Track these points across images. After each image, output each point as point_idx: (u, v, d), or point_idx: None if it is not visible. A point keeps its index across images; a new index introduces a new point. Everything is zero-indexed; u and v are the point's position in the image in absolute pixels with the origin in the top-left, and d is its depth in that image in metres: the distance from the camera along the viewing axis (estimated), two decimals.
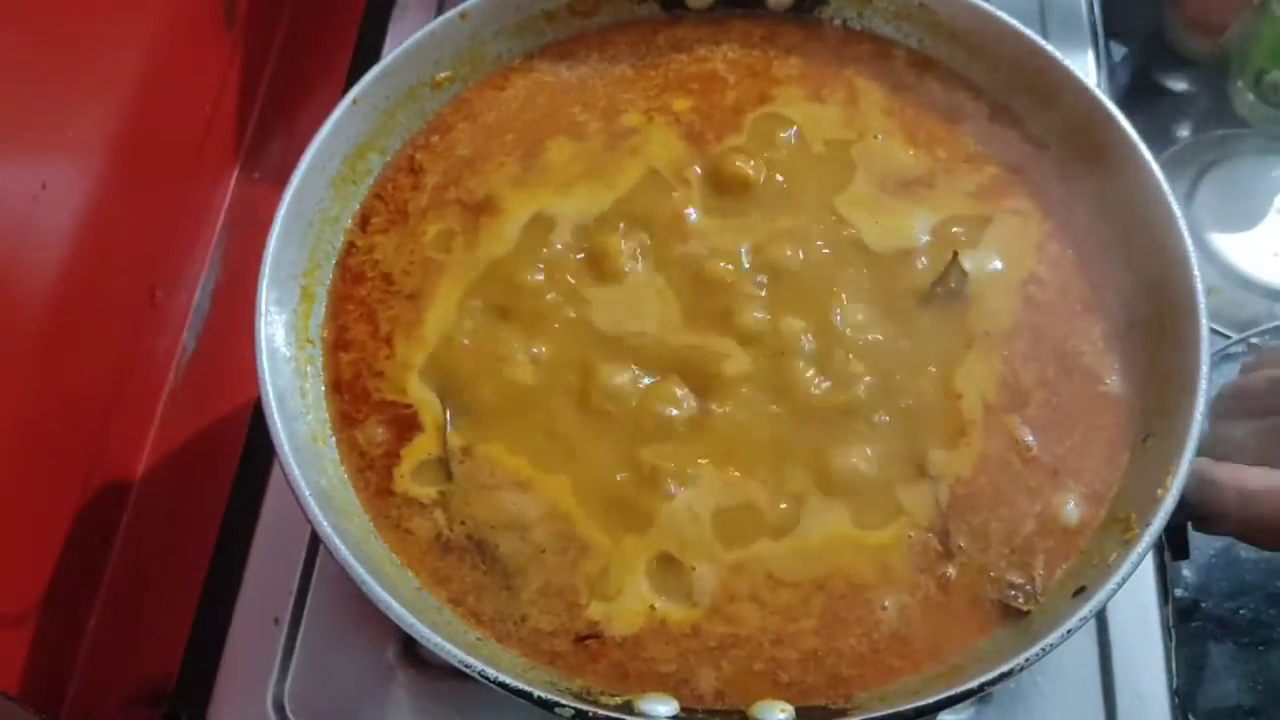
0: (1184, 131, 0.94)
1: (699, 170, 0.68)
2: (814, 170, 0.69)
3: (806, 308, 0.64)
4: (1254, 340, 0.82)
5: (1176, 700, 0.66)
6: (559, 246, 0.66)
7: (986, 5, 0.69)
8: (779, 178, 0.68)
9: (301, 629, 0.69)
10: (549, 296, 0.64)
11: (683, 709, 0.55)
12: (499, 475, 0.60)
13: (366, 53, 0.89)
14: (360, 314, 0.65)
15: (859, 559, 0.58)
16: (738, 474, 0.60)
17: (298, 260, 0.64)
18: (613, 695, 0.55)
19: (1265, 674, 0.73)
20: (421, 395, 0.62)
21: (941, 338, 0.63)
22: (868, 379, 0.62)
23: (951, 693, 0.51)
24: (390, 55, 0.68)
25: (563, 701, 0.51)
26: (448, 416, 0.62)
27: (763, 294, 0.64)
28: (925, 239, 0.66)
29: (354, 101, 0.66)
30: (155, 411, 0.80)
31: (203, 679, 0.68)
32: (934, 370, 0.62)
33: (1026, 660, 0.52)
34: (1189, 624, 0.74)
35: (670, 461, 0.60)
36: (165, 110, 0.79)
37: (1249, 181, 0.91)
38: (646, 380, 0.62)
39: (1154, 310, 0.62)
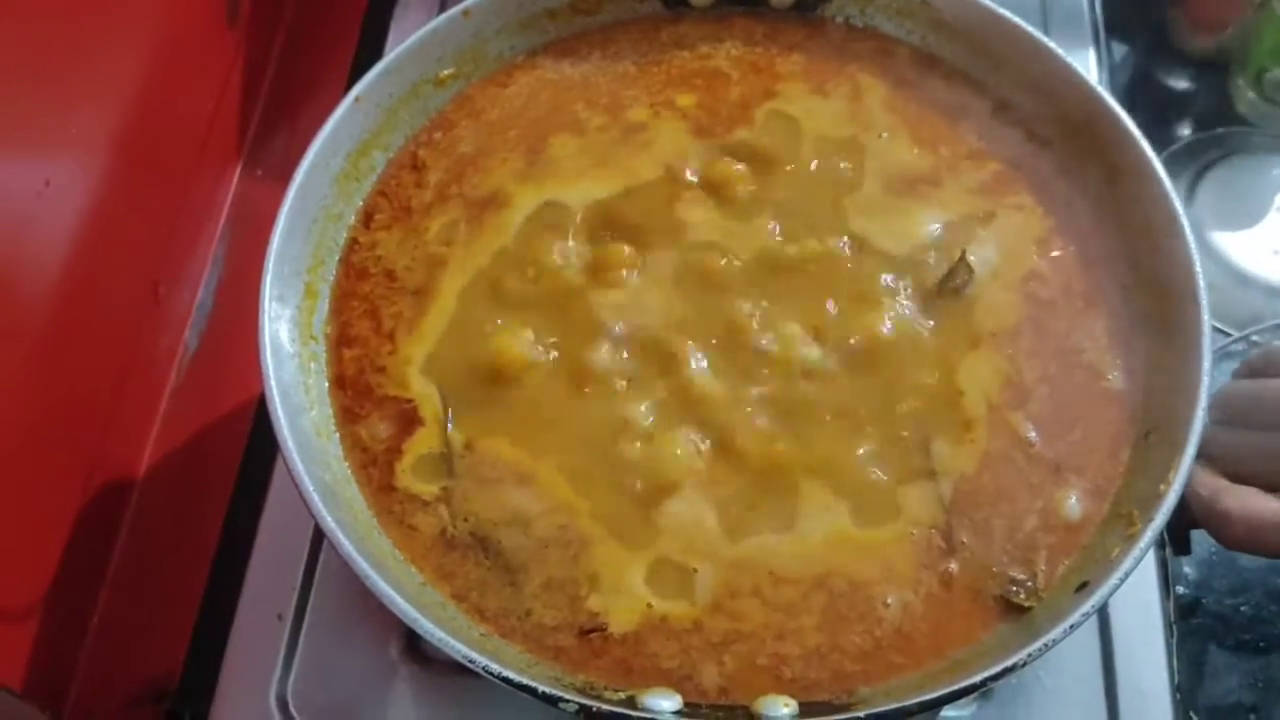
0: (1185, 129, 0.94)
1: (701, 168, 0.68)
2: (818, 167, 0.69)
3: (809, 306, 0.64)
4: (1255, 338, 0.82)
5: (1178, 696, 0.66)
6: (563, 241, 0.66)
7: (989, 2, 0.69)
8: (784, 174, 0.68)
9: (305, 625, 0.69)
10: (552, 291, 0.64)
11: (686, 704, 0.55)
12: (501, 470, 0.60)
13: (369, 50, 0.90)
14: (363, 310, 0.65)
15: (861, 556, 0.58)
16: (740, 472, 0.60)
17: (301, 257, 0.64)
18: (616, 690, 0.55)
19: (1266, 671, 0.73)
20: (423, 390, 0.62)
21: (946, 335, 0.63)
22: (871, 378, 0.62)
23: (954, 688, 0.51)
24: (393, 53, 0.68)
25: (567, 696, 0.51)
26: (448, 413, 0.62)
27: (767, 293, 0.64)
28: (929, 236, 0.66)
29: (356, 99, 0.66)
30: (158, 408, 0.80)
31: (206, 675, 0.68)
32: (938, 367, 0.62)
33: (1029, 656, 0.52)
34: (1190, 620, 0.74)
35: (672, 458, 0.60)
36: (168, 108, 0.79)
37: (1250, 179, 0.91)
38: (649, 375, 0.62)
39: (1156, 307, 0.63)
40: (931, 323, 0.64)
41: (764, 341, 0.63)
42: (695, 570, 0.58)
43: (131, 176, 0.74)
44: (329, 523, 0.54)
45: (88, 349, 0.72)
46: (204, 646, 0.70)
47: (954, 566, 0.58)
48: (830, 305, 0.64)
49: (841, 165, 0.69)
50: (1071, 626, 0.52)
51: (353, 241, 0.67)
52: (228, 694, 0.68)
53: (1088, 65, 0.88)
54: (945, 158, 0.69)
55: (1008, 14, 0.69)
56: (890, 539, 0.59)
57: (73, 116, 0.69)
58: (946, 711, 0.64)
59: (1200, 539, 0.59)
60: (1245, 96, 0.93)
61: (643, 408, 0.61)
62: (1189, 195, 0.90)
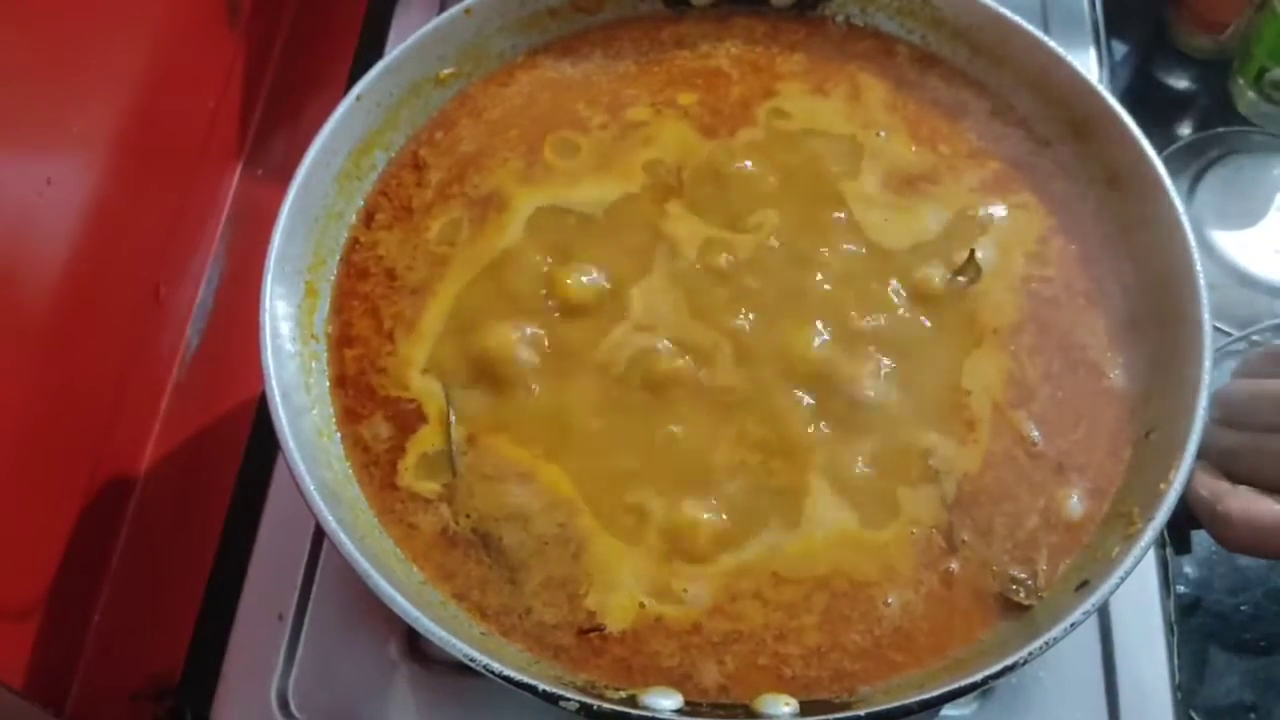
0: (1185, 129, 0.95)
1: (698, 170, 0.68)
2: (820, 167, 0.69)
3: (809, 305, 0.64)
4: (1255, 337, 0.82)
5: (1178, 695, 0.66)
6: (563, 241, 0.66)
7: (990, 2, 0.69)
8: (785, 174, 0.68)
9: (306, 624, 0.69)
10: (552, 290, 0.64)
11: (687, 703, 0.55)
12: (502, 467, 0.60)
13: (370, 49, 0.89)
14: (364, 309, 0.65)
15: (863, 556, 0.58)
16: (741, 472, 0.60)
17: (302, 256, 0.64)
18: (617, 689, 0.56)
19: (1267, 670, 0.73)
20: (424, 390, 0.62)
21: (950, 334, 0.63)
22: (873, 377, 0.62)
23: (954, 686, 0.51)
24: (394, 51, 0.68)
25: (567, 695, 0.51)
26: (450, 411, 0.62)
27: (765, 293, 0.64)
28: (930, 235, 0.66)
29: (358, 98, 0.66)
30: (159, 407, 0.80)
31: (207, 674, 0.68)
32: (942, 366, 0.62)
33: (1029, 654, 0.52)
34: (1190, 619, 0.74)
35: (672, 458, 0.60)
36: (169, 106, 0.79)
37: (1250, 179, 0.92)
38: (649, 375, 0.62)
39: (1157, 306, 0.63)
40: (934, 321, 0.64)
41: (763, 341, 0.63)
42: (684, 591, 0.58)
43: (133, 175, 0.74)
44: (330, 522, 0.54)
45: (89, 347, 0.72)
46: (205, 644, 0.70)
47: (955, 565, 0.58)
48: (832, 305, 0.64)
49: (842, 164, 0.69)
50: (1072, 625, 0.52)
51: (354, 241, 0.67)
52: (229, 692, 0.68)
53: (1088, 64, 0.88)
54: (945, 157, 0.69)
55: (1008, 13, 0.69)
56: (892, 539, 0.59)
57: (74, 115, 0.69)
58: (947, 710, 0.65)
59: (1201, 538, 0.59)
60: (1245, 96, 0.93)
61: (647, 405, 0.61)
62: (1189, 194, 0.90)
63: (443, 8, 0.83)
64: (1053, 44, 0.68)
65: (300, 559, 0.70)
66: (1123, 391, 0.62)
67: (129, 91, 0.74)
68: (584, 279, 0.64)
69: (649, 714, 0.52)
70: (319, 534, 0.70)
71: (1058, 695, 0.66)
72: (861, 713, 0.51)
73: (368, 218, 0.68)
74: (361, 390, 0.63)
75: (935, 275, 0.64)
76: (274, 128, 0.92)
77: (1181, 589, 0.74)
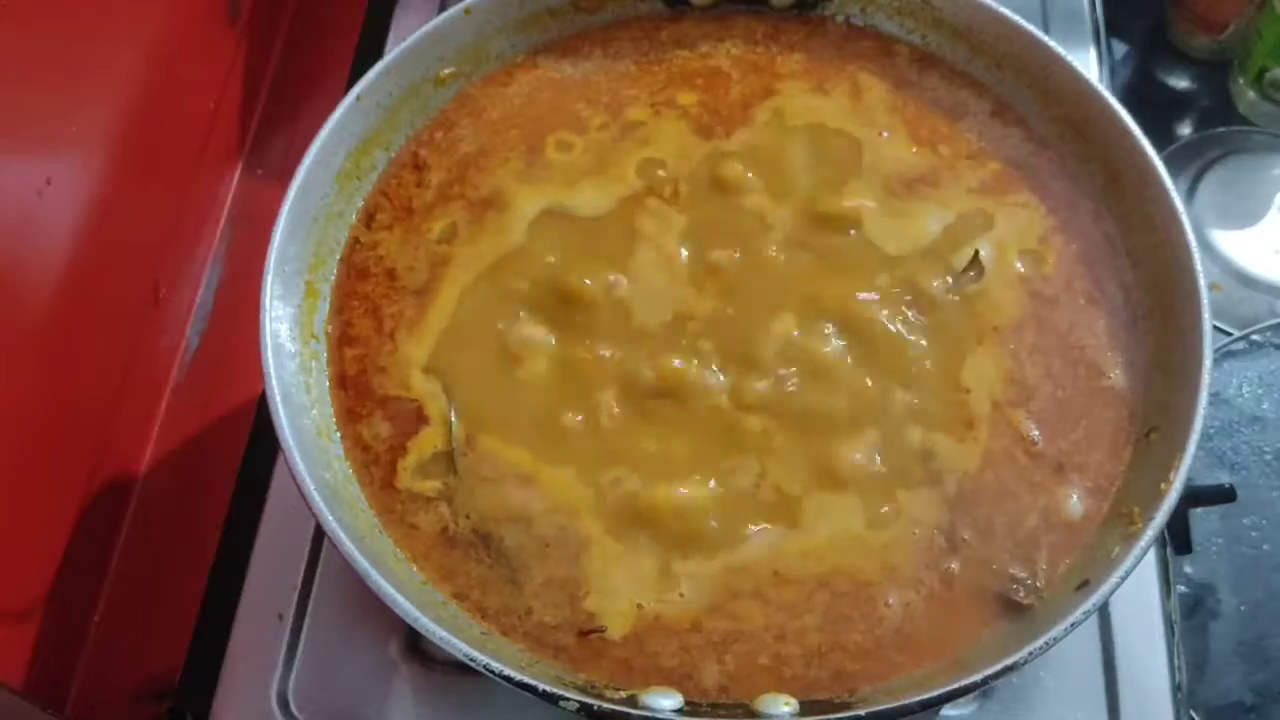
0: (1186, 129, 0.95)
1: (698, 170, 0.68)
2: (820, 167, 0.69)
3: (811, 304, 0.64)
4: (1255, 337, 0.82)
5: (1178, 695, 0.66)
6: (564, 241, 0.66)
7: (990, 2, 0.69)
8: (784, 174, 0.68)
9: (306, 624, 0.69)
10: (552, 292, 0.64)
11: (687, 702, 0.55)
12: (502, 468, 0.60)
13: (370, 49, 0.89)
14: (364, 309, 0.65)
15: (864, 557, 0.58)
16: (741, 471, 0.60)
17: (302, 256, 0.64)
18: (617, 689, 0.55)
19: (1267, 671, 0.73)
20: (425, 390, 0.62)
21: (950, 333, 0.63)
22: (875, 377, 0.62)
23: (954, 686, 0.51)
24: (394, 51, 0.68)
25: (567, 695, 0.51)
26: (452, 411, 0.62)
27: (767, 292, 0.64)
28: (930, 235, 0.66)
29: (357, 98, 0.66)
30: (159, 407, 0.80)
31: (207, 674, 0.68)
32: (943, 366, 0.62)
33: (1029, 654, 0.52)
34: (1191, 619, 0.74)
35: (673, 457, 0.60)
36: (169, 106, 0.79)
37: (1251, 178, 0.92)
38: (650, 374, 0.62)
39: (1157, 305, 0.63)
40: (934, 321, 0.64)
41: (765, 340, 0.63)
42: (682, 594, 0.58)
43: (132, 175, 0.74)
44: (330, 522, 0.54)
45: (88, 348, 0.72)
46: (205, 645, 0.70)
47: (955, 565, 0.58)
48: (834, 304, 0.64)
49: (843, 164, 0.69)
50: (1072, 625, 0.52)
51: (354, 241, 0.67)
52: (229, 693, 0.67)
53: (1088, 64, 0.88)
54: (945, 157, 0.69)
55: (1008, 13, 0.69)
56: (893, 539, 0.59)
57: (74, 115, 0.69)
58: (947, 710, 0.64)
59: (1202, 537, 0.59)
60: (1246, 96, 0.93)
61: (646, 407, 0.61)
62: (1189, 194, 0.90)
63: (442, 8, 0.83)
64: (1053, 44, 0.68)
65: (300, 559, 0.70)
66: (1123, 391, 0.62)
67: (129, 91, 0.74)
68: (586, 280, 0.64)
69: (649, 714, 0.52)
70: (319, 534, 0.70)
71: (1058, 695, 0.66)
72: (862, 712, 0.51)
73: (368, 218, 0.68)
74: (362, 390, 0.63)
75: (936, 275, 0.64)
76: (274, 128, 0.92)
77: (1182, 589, 0.74)
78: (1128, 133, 0.65)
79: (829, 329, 0.63)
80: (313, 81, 0.92)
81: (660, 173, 0.68)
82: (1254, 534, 0.77)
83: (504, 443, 0.61)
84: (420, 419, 0.62)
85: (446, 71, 0.70)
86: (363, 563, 0.53)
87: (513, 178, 0.68)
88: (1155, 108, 0.96)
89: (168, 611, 0.72)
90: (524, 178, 0.68)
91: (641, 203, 0.67)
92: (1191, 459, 0.56)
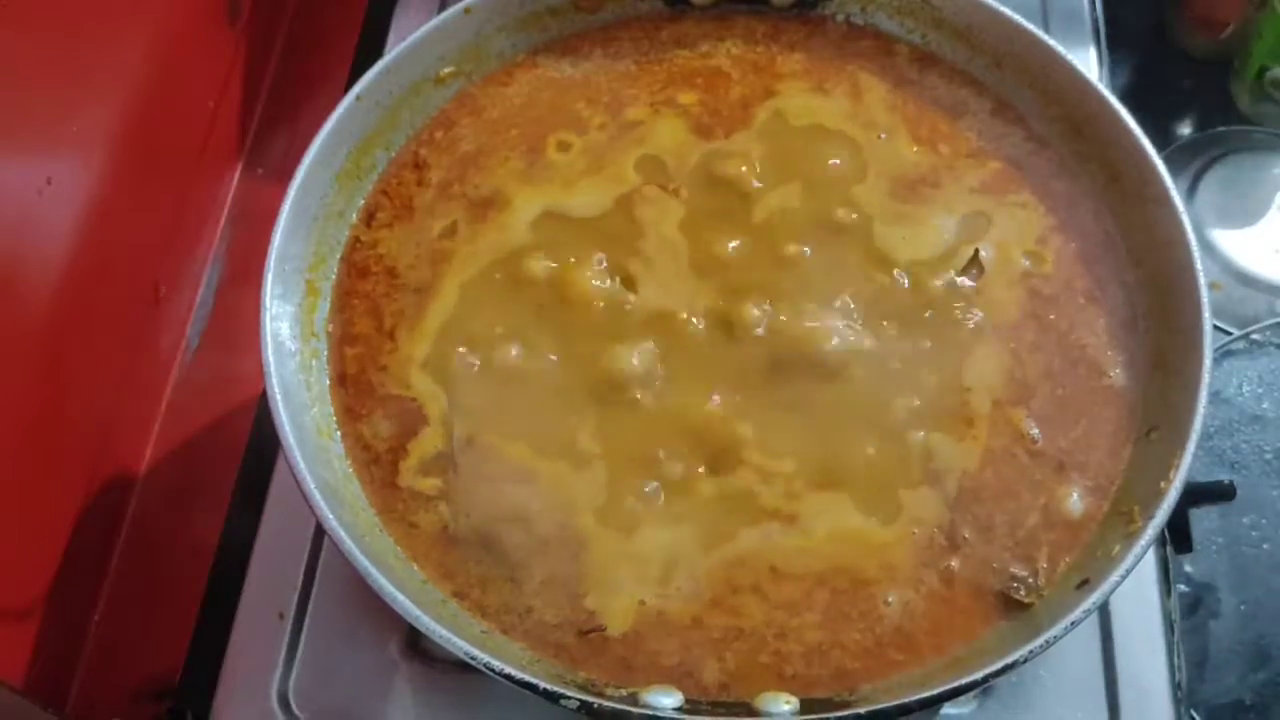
0: (1186, 128, 0.95)
1: (696, 169, 0.68)
2: (821, 166, 0.69)
3: (811, 304, 0.64)
4: (1255, 336, 0.82)
5: (1178, 694, 0.66)
6: (561, 242, 0.66)
7: (990, 1, 0.69)
8: (785, 173, 0.68)
9: (306, 623, 0.69)
10: (552, 291, 0.64)
11: (687, 701, 0.55)
12: (502, 467, 0.60)
13: (370, 48, 0.89)
14: (365, 308, 0.65)
15: (863, 554, 0.58)
16: (740, 472, 0.60)
17: (302, 255, 0.64)
18: (618, 687, 0.56)
19: (1267, 669, 0.73)
20: (425, 388, 0.62)
21: (951, 333, 0.63)
22: (875, 376, 0.62)
23: (954, 685, 0.51)
24: (394, 51, 0.68)
25: (568, 693, 0.51)
26: (451, 410, 0.62)
27: (769, 291, 0.64)
28: (931, 234, 0.66)
29: (357, 98, 0.66)
30: (159, 407, 0.80)
31: (207, 673, 0.68)
32: (943, 364, 0.62)
33: (1029, 653, 0.52)
34: (1191, 618, 0.74)
35: (674, 458, 0.60)
36: (169, 106, 0.79)
37: (1251, 178, 0.92)
38: (651, 371, 0.62)
39: (1157, 304, 0.63)
40: (936, 319, 0.64)
41: (768, 339, 0.63)
42: (679, 587, 0.58)
43: (133, 174, 0.74)
44: (330, 521, 0.54)
45: (89, 347, 0.72)
46: (205, 644, 0.70)
47: (955, 563, 0.58)
48: (835, 303, 0.64)
49: (843, 164, 0.69)
50: (1072, 624, 0.52)
51: (354, 240, 0.67)
52: (229, 692, 0.68)
53: (1088, 63, 0.88)
54: (945, 156, 0.69)
55: (1008, 12, 0.69)
56: (893, 538, 0.59)
57: (75, 114, 0.69)
58: (947, 708, 0.65)
59: (1202, 536, 0.59)
60: (1245, 95, 0.93)
61: (648, 404, 0.61)
62: (1190, 193, 0.90)
63: (442, 7, 0.83)
64: (1053, 43, 0.68)
65: (301, 558, 0.70)
66: (1123, 390, 0.62)
67: (129, 91, 0.74)
68: (590, 278, 0.64)
69: (649, 712, 0.52)
70: (319, 533, 0.70)
71: (1058, 693, 0.66)
72: (862, 711, 0.51)
73: (368, 217, 0.68)
74: (362, 388, 0.63)
75: (937, 274, 0.64)
76: (274, 127, 0.92)
77: (1182, 588, 0.74)
78: (1128, 132, 0.65)
79: (831, 328, 0.63)
80: (313, 81, 0.92)
81: (659, 172, 0.68)
82: (1254, 533, 0.77)
83: (503, 439, 0.61)
84: (420, 418, 0.62)
85: (446, 71, 0.70)
86: (363, 561, 0.53)
87: (513, 178, 0.68)
88: (1155, 107, 0.96)
89: (168, 610, 0.72)
90: (525, 178, 0.68)
91: (640, 192, 0.67)
92: (1191, 458, 0.56)
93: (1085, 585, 0.55)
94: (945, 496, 0.59)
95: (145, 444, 0.79)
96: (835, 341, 0.62)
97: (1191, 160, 0.92)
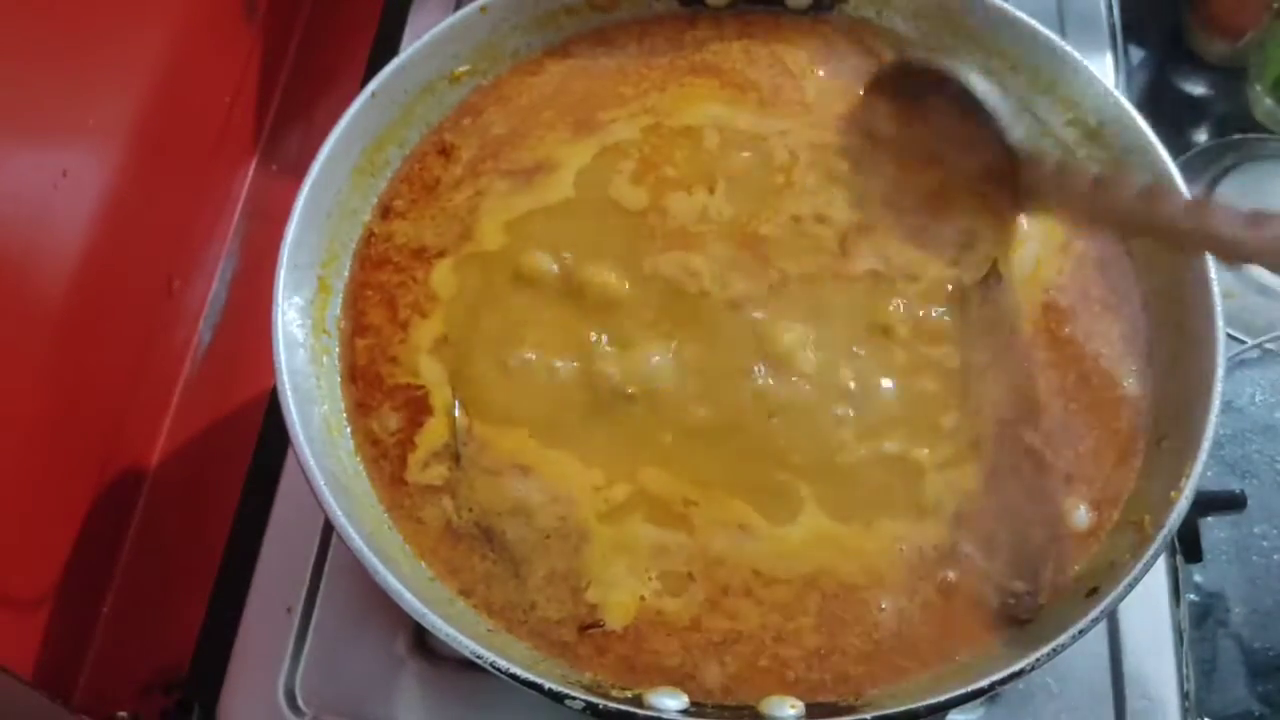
0: (1201, 135, 0.94)
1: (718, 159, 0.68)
2: (826, 168, 0.69)
3: (817, 316, 0.64)
4: (1269, 345, 0.82)
5: (1187, 703, 0.66)
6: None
7: (1006, 5, 0.69)
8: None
9: (314, 618, 0.69)
10: (567, 277, 0.65)
11: (692, 703, 0.55)
12: (504, 459, 0.60)
13: (385, 45, 0.90)
14: (379, 299, 0.65)
15: (847, 559, 0.58)
16: (739, 473, 0.60)
17: (315, 251, 0.64)
18: (623, 689, 0.56)
19: (1277, 680, 0.73)
20: (433, 375, 0.62)
21: (966, 344, 0.63)
22: (884, 389, 0.62)
23: (961, 691, 0.51)
24: (409, 49, 0.68)
25: (573, 694, 0.51)
26: (455, 398, 0.62)
27: (774, 301, 0.64)
28: (946, 243, 0.65)
29: (372, 95, 0.66)
30: (171, 401, 0.80)
31: (215, 666, 0.69)
32: (955, 376, 0.62)
33: (1037, 660, 0.52)
34: (1200, 628, 0.74)
35: (675, 457, 0.60)
36: (185, 101, 0.80)
37: (1266, 186, 0.91)
38: (652, 370, 0.62)
39: (1171, 313, 0.63)
40: (955, 327, 0.63)
41: (775, 349, 0.63)
42: (690, 575, 0.58)
43: (147, 168, 0.75)
44: (339, 516, 0.55)
45: (102, 341, 0.72)
46: (214, 637, 0.70)
47: (952, 575, 0.58)
48: (848, 320, 0.64)
49: (850, 164, 0.68)
50: (1080, 632, 0.52)
51: (369, 234, 0.67)
52: (236, 685, 0.68)
53: (1105, 69, 0.87)
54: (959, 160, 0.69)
55: (1025, 17, 0.69)
56: (879, 548, 0.58)
57: (91, 108, 0.69)
58: (954, 715, 0.64)
59: (1212, 546, 0.59)
60: (1262, 103, 0.92)
61: (652, 403, 0.61)
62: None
63: (458, 5, 0.83)
64: (1069, 49, 0.67)
65: (309, 553, 0.70)
66: (1135, 399, 0.62)
67: (145, 86, 0.75)
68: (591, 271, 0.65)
69: (654, 714, 0.52)
70: (328, 528, 0.70)
71: (1065, 702, 0.65)
72: (867, 716, 0.51)
73: (384, 211, 0.68)
74: (371, 381, 0.63)
75: (948, 283, 0.64)
76: (289, 123, 0.92)
77: (1191, 597, 0.74)
78: (1144, 138, 0.64)
79: (841, 340, 0.63)
80: (328, 77, 0.93)
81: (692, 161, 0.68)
82: (1264, 543, 0.77)
83: (506, 431, 0.61)
84: (426, 408, 0.62)
85: (461, 69, 0.70)
86: (371, 558, 0.53)
87: (561, 144, 0.68)
88: (1171, 114, 0.95)
89: (177, 604, 0.72)
90: (572, 142, 0.68)
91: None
92: (1203, 467, 0.55)
93: (1094, 594, 0.55)
94: (948, 511, 0.59)
95: (156, 437, 0.79)
96: (845, 356, 0.62)
97: (1207, 167, 0.91)
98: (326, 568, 0.70)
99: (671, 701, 0.54)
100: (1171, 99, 0.97)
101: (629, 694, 0.55)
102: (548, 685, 0.51)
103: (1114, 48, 0.89)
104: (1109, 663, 0.66)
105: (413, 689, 0.67)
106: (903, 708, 0.51)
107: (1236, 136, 0.93)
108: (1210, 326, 0.59)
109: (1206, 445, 0.56)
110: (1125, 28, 0.90)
